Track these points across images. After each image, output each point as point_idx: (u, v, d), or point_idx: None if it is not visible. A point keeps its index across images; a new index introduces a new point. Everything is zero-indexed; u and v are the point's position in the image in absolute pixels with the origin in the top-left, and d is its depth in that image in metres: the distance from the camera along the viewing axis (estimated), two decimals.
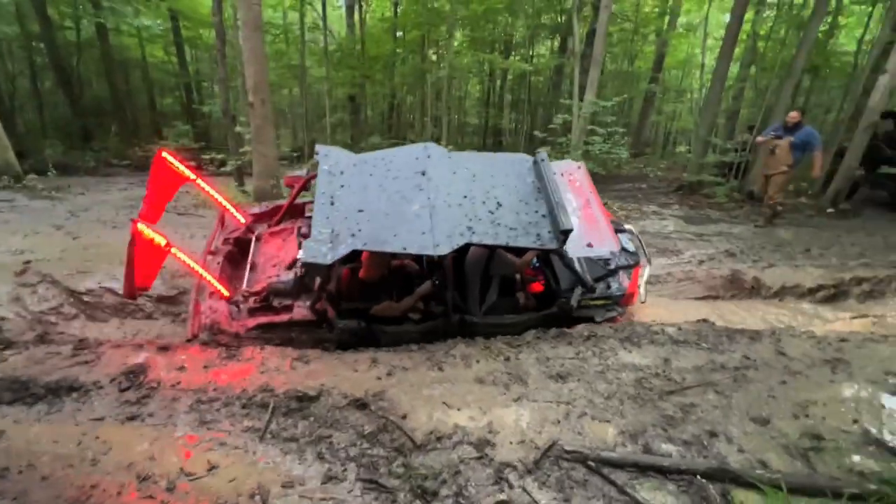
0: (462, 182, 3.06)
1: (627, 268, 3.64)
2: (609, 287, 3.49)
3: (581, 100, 8.33)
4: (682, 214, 8.38)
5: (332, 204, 2.85)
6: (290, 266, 3.15)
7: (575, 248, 3.27)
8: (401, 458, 2.03)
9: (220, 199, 3.54)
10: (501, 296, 3.35)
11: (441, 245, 2.65)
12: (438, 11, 11.93)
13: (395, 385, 2.53)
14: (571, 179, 3.95)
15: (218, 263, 3.16)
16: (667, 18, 15.62)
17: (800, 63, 8.44)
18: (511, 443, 2.13)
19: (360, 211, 2.82)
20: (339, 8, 16.59)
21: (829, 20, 10.97)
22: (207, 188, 3.36)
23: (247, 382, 2.50)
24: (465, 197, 2.98)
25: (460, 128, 17.97)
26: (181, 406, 2.31)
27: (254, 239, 3.61)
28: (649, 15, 15.93)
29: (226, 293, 2.99)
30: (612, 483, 1.93)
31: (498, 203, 3.00)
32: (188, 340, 2.92)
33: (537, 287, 3.60)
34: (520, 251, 3.28)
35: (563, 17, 14.69)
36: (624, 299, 3.52)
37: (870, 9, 11.05)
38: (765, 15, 13.11)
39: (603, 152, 8.08)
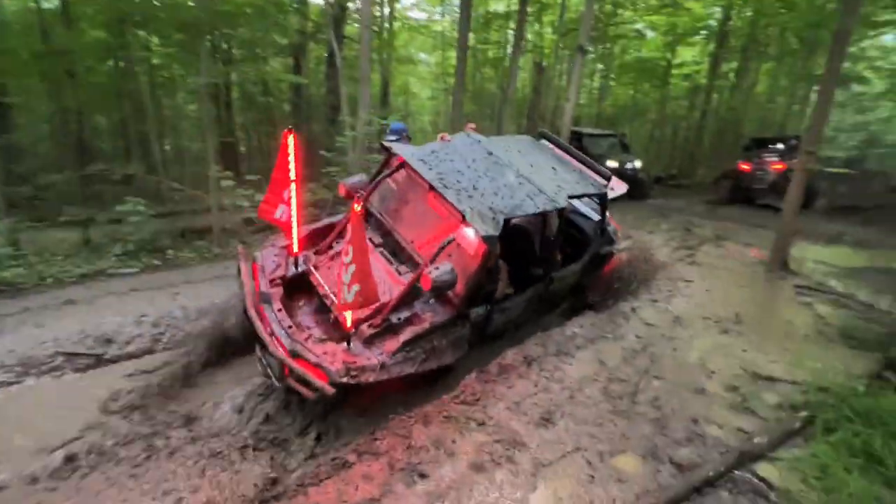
0: (518, 156, 3.39)
1: None
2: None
3: (351, 117, 8.01)
4: None
5: (447, 188, 2.81)
6: (437, 254, 2.68)
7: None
8: None
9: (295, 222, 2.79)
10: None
11: (558, 199, 3.02)
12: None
13: None
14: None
15: (279, 311, 2.68)
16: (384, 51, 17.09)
17: (510, 91, 10.60)
18: None
19: (475, 188, 2.88)
20: None
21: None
22: (293, 203, 2.72)
23: None
24: (532, 166, 3.32)
25: (179, 153, 14.69)
26: None
27: (312, 269, 3.00)
28: (372, 44, 17.05)
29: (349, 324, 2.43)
30: None
31: (553, 168, 3.45)
32: (331, 391, 2.26)
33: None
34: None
35: (293, 38, 14.01)
36: (617, 237, 4.19)
37: None
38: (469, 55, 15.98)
39: None
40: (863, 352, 3.17)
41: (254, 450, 2.21)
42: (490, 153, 3.25)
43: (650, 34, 15.74)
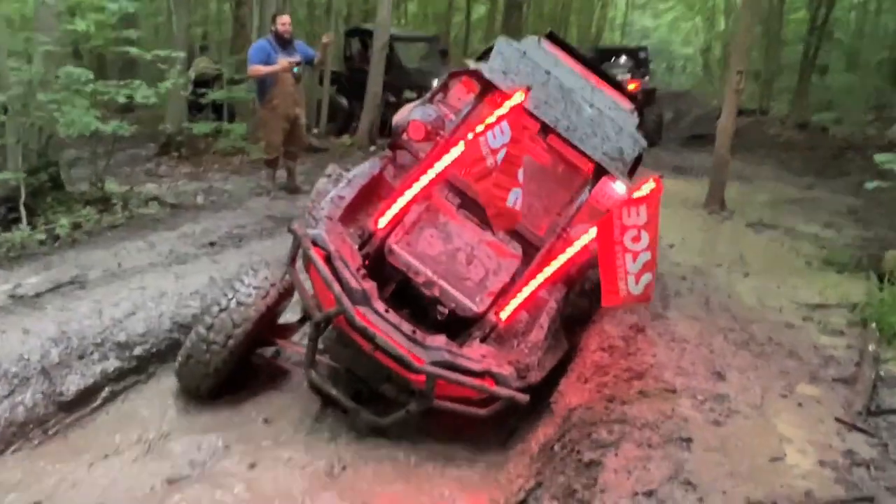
0: (563, 73, 4.61)
1: None
2: None
3: None
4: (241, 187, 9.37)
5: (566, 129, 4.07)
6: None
7: None
8: None
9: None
10: None
11: (639, 138, 4.50)
12: None
13: None
14: None
15: (386, 311, 3.51)
16: None
17: None
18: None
19: (576, 127, 4.09)
20: None
21: None
22: None
23: None
24: (583, 88, 4.61)
25: None
26: None
27: (397, 249, 3.88)
28: None
29: None
30: None
31: (593, 89, 4.84)
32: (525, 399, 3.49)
33: None
34: None
35: None
36: None
37: None
38: None
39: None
40: (850, 274, 5.79)
41: None
42: (548, 72, 4.34)
43: None
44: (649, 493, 2.70)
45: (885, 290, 5.04)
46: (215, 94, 11.27)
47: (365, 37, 13.13)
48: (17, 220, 6.18)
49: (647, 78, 14.45)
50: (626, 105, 5.40)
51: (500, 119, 3.31)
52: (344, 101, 13.21)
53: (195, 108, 11.93)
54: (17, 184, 6.26)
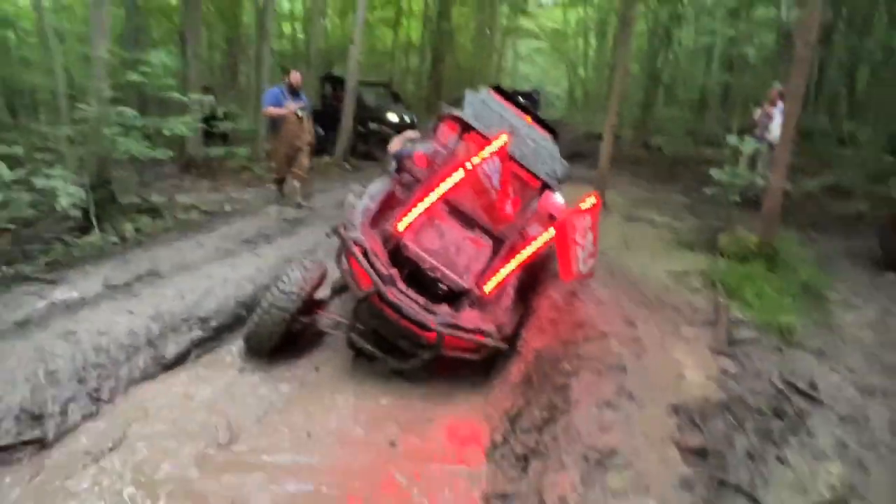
0: (510, 117, 4.85)
1: None
2: None
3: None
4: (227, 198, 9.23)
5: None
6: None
7: None
8: None
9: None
10: None
11: (565, 163, 4.92)
12: None
13: None
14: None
15: (407, 289, 3.74)
16: None
17: (268, 19, 10.94)
18: None
19: (525, 154, 4.42)
20: None
21: None
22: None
23: None
24: (524, 127, 4.88)
25: None
26: None
27: (410, 244, 4.14)
28: None
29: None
30: None
31: (527, 126, 5.09)
32: (506, 346, 4.07)
33: None
34: None
35: None
36: None
37: None
38: None
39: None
40: (696, 251, 6.31)
41: None
42: (501, 116, 4.58)
43: None
44: (607, 403, 3.01)
45: (722, 262, 5.58)
46: (226, 125, 10.98)
47: (335, 81, 12.99)
48: (90, 228, 5.95)
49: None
50: (549, 137, 5.70)
51: (492, 154, 3.56)
52: (320, 130, 12.97)
53: (205, 136, 11.62)
54: (86, 199, 6.01)
